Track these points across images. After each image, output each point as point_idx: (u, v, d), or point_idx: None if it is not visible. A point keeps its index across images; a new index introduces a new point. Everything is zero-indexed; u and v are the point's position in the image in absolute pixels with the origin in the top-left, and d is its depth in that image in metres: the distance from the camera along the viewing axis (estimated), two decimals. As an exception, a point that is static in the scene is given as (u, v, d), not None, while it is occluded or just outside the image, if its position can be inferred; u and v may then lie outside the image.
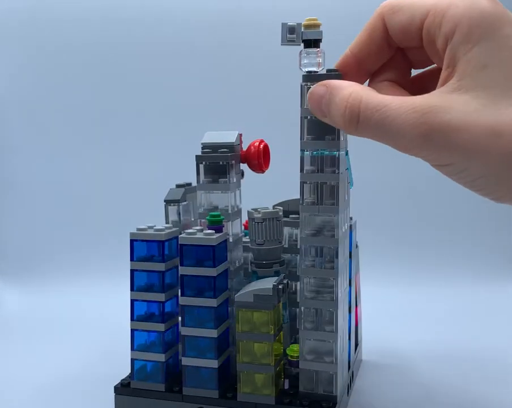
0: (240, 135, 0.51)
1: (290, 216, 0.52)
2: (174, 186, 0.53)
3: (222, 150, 0.48)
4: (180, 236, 0.45)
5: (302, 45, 0.42)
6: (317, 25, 0.42)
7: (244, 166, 0.51)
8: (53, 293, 0.82)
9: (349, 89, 0.35)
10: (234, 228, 0.49)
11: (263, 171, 0.51)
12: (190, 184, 0.54)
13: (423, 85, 0.38)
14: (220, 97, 0.90)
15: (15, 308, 0.79)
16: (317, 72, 0.42)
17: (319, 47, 0.42)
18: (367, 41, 0.38)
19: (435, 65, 0.37)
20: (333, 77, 0.40)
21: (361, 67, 0.39)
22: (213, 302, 0.45)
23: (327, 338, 0.44)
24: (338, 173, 0.42)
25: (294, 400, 0.44)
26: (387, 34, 0.37)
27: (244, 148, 0.51)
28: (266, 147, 0.51)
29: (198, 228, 0.46)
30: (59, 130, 0.93)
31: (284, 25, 0.41)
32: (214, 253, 0.44)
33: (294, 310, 0.52)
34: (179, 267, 0.45)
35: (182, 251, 0.45)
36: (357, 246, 0.55)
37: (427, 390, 0.52)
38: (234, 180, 0.49)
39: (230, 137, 0.49)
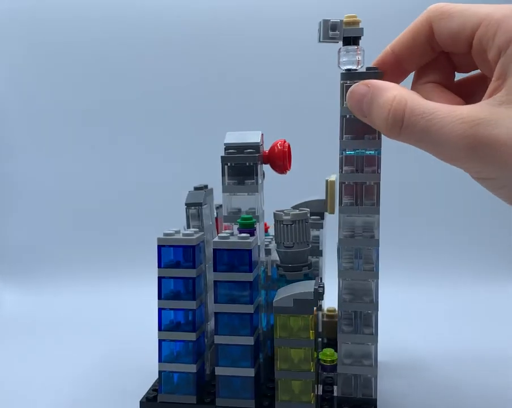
0: (262, 135, 0.50)
1: (312, 217, 0.52)
2: (183, 189, 0.51)
3: (248, 150, 0.47)
4: (214, 240, 0.43)
5: (340, 42, 0.41)
6: (357, 22, 0.41)
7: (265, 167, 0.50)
8: (53, 294, 0.82)
9: (394, 92, 0.34)
10: (260, 231, 0.48)
11: (285, 173, 0.50)
12: (206, 186, 0.52)
13: (469, 90, 0.39)
14: (231, 97, 0.89)
15: (15, 309, 0.79)
16: (356, 70, 0.41)
17: (358, 44, 0.42)
18: (411, 42, 0.38)
19: (480, 71, 0.37)
20: (374, 75, 0.40)
21: (400, 66, 0.39)
22: (250, 308, 0.43)
23: (366, 340, 0.43)
24: (379, 172, 0.42)
25: (334, 406, 0.44)
26: (432, 38, 0.37)
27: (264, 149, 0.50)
28: (289, 147, 0.49)
29: (229, 231, 0.45)
30: (59, 130, 0.91)
31: (325, 21, 0.40)
32: (250, 257, 0.43)
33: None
34: (213, 273, 0.43)
35: (215, 256, 0.43)
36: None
37: (441, 391, 0.52)
38: (260, 181, 0.48)
39: (254, 137, 0.48)
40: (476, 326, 0.68)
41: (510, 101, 0.30)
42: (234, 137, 0.49)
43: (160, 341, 0.45)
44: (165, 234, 0.45)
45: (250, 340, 0.43)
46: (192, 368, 0.45)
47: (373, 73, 0.41)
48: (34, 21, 0.91)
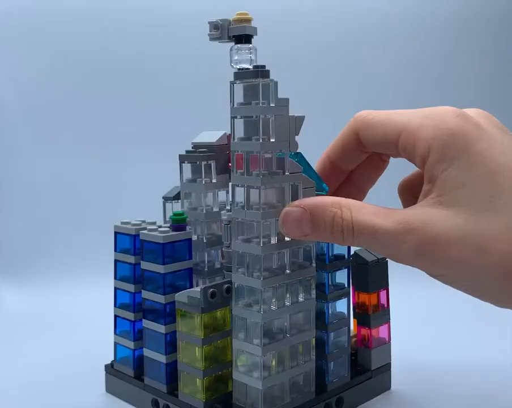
0: (226, 135, 0.50)
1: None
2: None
3: (201, 150, 0.49)
4: (141, 231, 0.47)
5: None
6: (248, 20, 0.40)
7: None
8: (53, 292, 0.81)
9: (335, 205, 0.35)
10: (209, 229, 0.49)
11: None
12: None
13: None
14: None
15: (14, 306, 0.78)
16: (249, 69, 0.40)
17: (250, 43, 0.40)
18: (342, 149, 0.41)
19: None
20: (261, 74, 0.39)
21: (338, 169, 0.42)
22: (161, 299, 0.46)
23: (254, 351, 0.41)
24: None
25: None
26: (361, 145, 0.39)
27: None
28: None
29: (160, 225, 0.48)
30: (58, 130, 0.93)
31: (210, 22, 0.40)
32: (163, 251, 0.46)
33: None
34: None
35: (142, 246, 0.47)
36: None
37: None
38: (214, 180, 0.49)
39: (212, 137, 0.50)
40: (476, 326, 0.68)
41: (441, 202, 0.33)
42: (202, 137, 0.51)
43: (115, 316, 0.51)
44: (122, 223, 0.50)
45: (162, 329, 0.46)
46: (131, 345, 0.50)
47: (261, 71, 0.39)
48: (34, 21, 0.92)
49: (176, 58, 0.95)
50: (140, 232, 0.47)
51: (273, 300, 0.41)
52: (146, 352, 0.48)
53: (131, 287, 0.49)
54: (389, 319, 0.52)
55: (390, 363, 0.52)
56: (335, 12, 1.02)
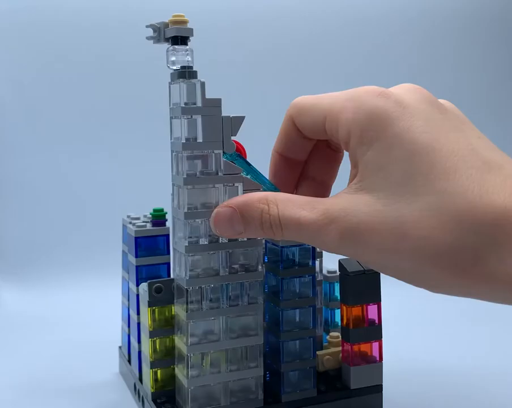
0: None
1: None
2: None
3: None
4: (128, 225, 0.50)
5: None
6: (184, 22, 0.40)
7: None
8: (53, 291, 0.82)
9: (263, 201, 0.35)
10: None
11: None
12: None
13: None
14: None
15: (14, 306, 0.79)
16: (192, 67, 0.40)
17: (187, 44, 0.40)
18: (285, 140, 0.40)
19: None
20: (190, 75, 0.39)
21: (290, 161, 0.41)
22: (135, 289, 0.49)
23: (183, 349, 0.42)
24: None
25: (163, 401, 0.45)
26: (300, 132, 0.39)
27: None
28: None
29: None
30: (58, 129, 0.92)
31: (148, 25, 0.41)
32: (136, 244, 0.48)
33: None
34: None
35: (128, 239, 0.50)
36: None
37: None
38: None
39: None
40: (476, 326, 0.68)
41: (363, 188, 0.32)
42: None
43: (122, 303, 0.55)
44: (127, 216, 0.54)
45: (135, 318, 0.49)
46: (126, 330, 0.53)
47: (188, 72, 0.39)
48: (34, 21, 0.91)
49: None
50: (127, 225, 0.51)
51: (204, 302, 0.41)
52: (131, 338, 0.51)
53: (127, 276, 0.53)
54: (381, 337, 0.47)
55: (381, 385, 0.48)
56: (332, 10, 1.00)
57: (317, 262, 0.50)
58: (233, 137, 0.48)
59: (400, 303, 0.71)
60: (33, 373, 0.58)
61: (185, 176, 0.40)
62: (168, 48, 0.41)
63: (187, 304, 0.41)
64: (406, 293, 0.65)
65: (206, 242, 0.41)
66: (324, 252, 0.50)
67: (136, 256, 0.48)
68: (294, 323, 0.44)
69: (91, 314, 0.73)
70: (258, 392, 0.43)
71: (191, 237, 0.40)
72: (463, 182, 0.30)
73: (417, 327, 0.69)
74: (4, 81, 0.91)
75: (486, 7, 1.06)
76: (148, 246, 0.49)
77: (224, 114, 0.40)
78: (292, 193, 0.42)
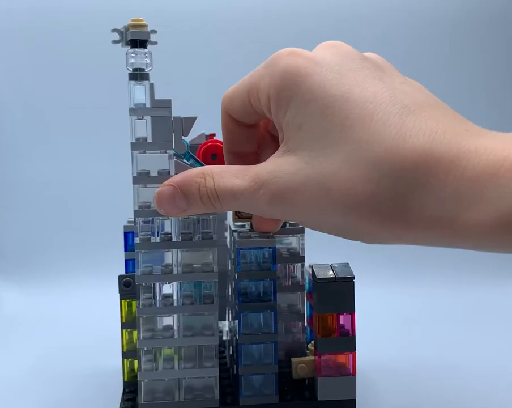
0: (212, 135, 0.51)
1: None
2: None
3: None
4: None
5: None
6: (143, 26, 0.41)
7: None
8: (53, 291, 0.82)
9: (200, 176, 0.36)
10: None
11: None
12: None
13: None
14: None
15: (14, 306, 0.79)
16: (144, 70, 0.41)
17: (146, 47, 0.41)
18: (228, 135, 0.40)
19: None
20: (141, 76, 0.41)
21: (242, 156, 0.40)
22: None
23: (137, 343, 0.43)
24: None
25: (129, 391, 0.46)
26: (237, 122, 0.39)
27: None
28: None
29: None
30: (58, 129, 0.92)
31: (113, 30, 0.43)
32: (125, 239, 0.50)
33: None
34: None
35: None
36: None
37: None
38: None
39: (191, 136, 0.51)
40: (475, 327, 0.66)
41: (288, 150, 0.33)
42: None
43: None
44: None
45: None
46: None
47: (139, 74, 0.41)
48: (34, 20, 0.91)
49: (176, 56, 0.92)
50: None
51: (156, 298, 0.42)
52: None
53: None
54: (354, 349, 0.45)
55: (354, 400, 0.45)
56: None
57: (298, 267, 0.48)
58: (216, 138, 0.48)
59: (381, 313, 0.70)
60: (34, 373, 0.58)
61: (135, 175, 0.41)
62: (127, 51, 0.42)
63: (138, 299, 0.42)
64: (386, 302, 0.62)
65: (158, 240, 0.42)
66: (305, 255, 0.49)
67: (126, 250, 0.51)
68: (254, 327, 0.44)
69: (91, 314, 0.73)
70: (214, 392, 0.43)
71: (142, 234, 0.42)
72: (379, 128, 0.29)
73: (406, 337, 0.66)
74: (4, 81, 0.91)
75: (484, 6, 0.99)
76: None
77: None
78: (250, 160, 0.41)
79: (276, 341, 0.44)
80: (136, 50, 0.42)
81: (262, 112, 0.36)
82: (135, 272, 0.50)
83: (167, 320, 0.43)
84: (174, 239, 0.42)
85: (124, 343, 0.47)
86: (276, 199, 0.32)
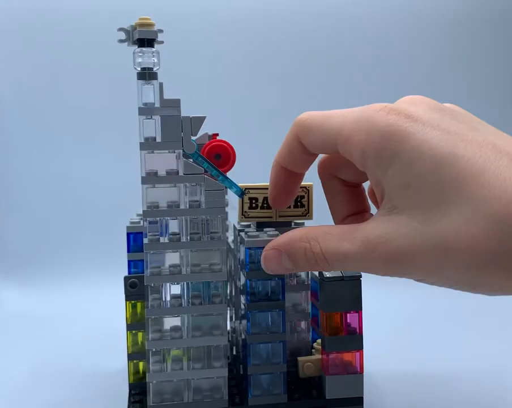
0: (215, 134, 0.51)
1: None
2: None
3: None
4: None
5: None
6: (150, 25, 0.41)
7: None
8: (54, 291, 0.82)
9: (304, 240, 0.36)
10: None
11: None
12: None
13: None
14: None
15: (15, 306, 0.79)
16: (152, 69, 0.41)
17: (153, 46, 0.41)
18: (290, 155, 0.40)
19: None
20: (150, 76, 0.40)
21: (292, 173, 0.41)
22: (125, 283, 0.50)
23: (146, 344, 0.43)
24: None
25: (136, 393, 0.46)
26: (306, 149, 0.38)
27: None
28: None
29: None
30: (58, 129, 0.93)
31: (119, 29, 0.43)
32: (128, 239, 0.50)
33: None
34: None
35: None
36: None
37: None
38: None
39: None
40: (476, 327, 0.66)
41: (394, 207, 0.32)
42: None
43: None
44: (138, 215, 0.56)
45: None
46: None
47: (148, 73, 0.40)
48: (34, 20, 0.91)
49: (177, 56, 0.90)
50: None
51: (165, 299, 0.42)
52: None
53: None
54: (362, 347, 0.45)
55: (362, 398, 0.45)
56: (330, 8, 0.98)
57: (303, 266, 0.48)
58: (219, 137, 0.48)
59: (390, 312, 0.70)
60: (33, 373, 0.58)
61: (143, 175, 0.41)
62: (135, 50, 0.42)
63: (147, 300, 0.42)
64: (393, 301, 0.62)
65: (166, 241, 0.41)
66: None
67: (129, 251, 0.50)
68: (262, 326, 0.44)
69: (91, 315, 0.73)
70: (223, 393, 0.43)
71: (151, 234, 0.41)
72: (493, 183, 0.29)
73: (405, 337, 0.66)
74: (4, 81, 0.91)
75: (484, 6, 1.01)
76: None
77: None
78: (290, 199, 0.43)
79: (285, 340, 0.44)
80: (144, 49, 0.41)
81: (349, 159, 0.36)
82: (137, 273, 0.50)
83: (175, 321, 0.43)
84: (182, 240, 0.42)
85: (129, 344, 0.47)
86: (391, 262, 0.32)
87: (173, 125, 0.40)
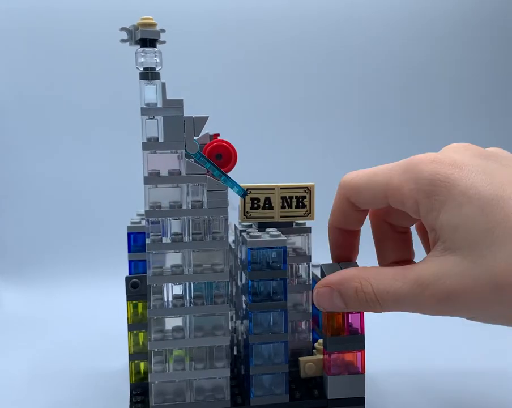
0: (216, 135, 0.51)
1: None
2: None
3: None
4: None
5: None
6: (153, 25, 0.41)
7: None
8: (54, 292, 0.82)
9: (356, 280, 0.37)
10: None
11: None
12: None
13: None
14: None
15: (15, 307, 0.78)
16: (155, 69, 0.41)
17: (155, 46, 0.41)
18: (343, 216, 0.42)
19: None
20: (152, 76, 0.40)
21: (350, 232, 0.43)
22: (126, 283, 0.50)
23: (148, 344, 0.43)
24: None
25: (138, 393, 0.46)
26: (357, 207, 0.40)
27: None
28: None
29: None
30: (58, 129, 0.92)
31: (121, 28, 0.42)
32: (129, 239, 0.50)
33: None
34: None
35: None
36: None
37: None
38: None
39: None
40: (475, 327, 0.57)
41: (447, 249, 0.34)
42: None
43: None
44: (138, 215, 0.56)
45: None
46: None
47: (150, 73, 0.40)
48: (34, 20, 0.91)
49: (178, 55, 0.89)
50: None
51: (167, 299, 0.42)
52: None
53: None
54: (363, 347, 0.45)
55: (363, 398, 0.45)
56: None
57: (304, 266, 0.49)
58: (220, 137, 0.48)
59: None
60: (33, 373, 0.57)
61: (146, 175, 0.41)
62: (137, 50, 0.42)
63: (149, 300, 0.42)
64: None
65: (169, 241, 0.41)
66: (312, 255, 0.49)
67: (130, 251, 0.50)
68: (264, 327, 0.44)
69: (91, 315, 0.73)
70: (225, 393, 0.43)
71: (153, 234, 0.41)
72: None
73: (407, 337, 0.66)
74: (4, 81, 0.91)
75: (483, 6, 1.02)
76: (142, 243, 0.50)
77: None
78: (354, 255, 0.44)
79: (287, 340, 0.44)
80: (146, 49, 0.41)
81: (401, 210, 0.37)
82: (138, 273, 0.50)
83: (177, 321, 0.43)
84: (185, 240, 0.41)
85: (131, 345, 0.46)
86: (444, 300, 0.33)
87: (175, 125, 0.40)
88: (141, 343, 0.47)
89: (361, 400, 0.45)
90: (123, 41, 0.42)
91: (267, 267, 0.43)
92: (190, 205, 0.41)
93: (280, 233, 0.43)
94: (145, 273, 0.47)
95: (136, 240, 0.51)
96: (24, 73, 0.92)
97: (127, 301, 0.46)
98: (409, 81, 1.00)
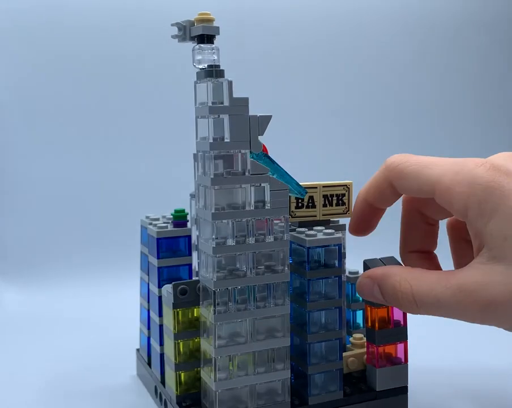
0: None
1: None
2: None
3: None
4: (148, 226, 0.50)
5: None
6: (210, 20, 0.40)
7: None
8: (54, 292, 0.81)
9: (396, 278, 0.37)
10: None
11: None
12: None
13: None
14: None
15: (15, 306, 0.78)
16: (219, 66, 0.40)
17: (213, 43, 0.40)
18: (378, 194, 0.42)
19: None
20: (217, 73, 0.39)
21: (376, 209, 0.43)
22: (156, 291, 0.48)
23: (210, 352, 0.41)
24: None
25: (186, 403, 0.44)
26: (396, 190, 0.40)
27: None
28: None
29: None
30: (58, 128, 0.93)
31: (175, 23, 0.41)
32: (158, 245, 0.48)
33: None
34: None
35: (148, 239, 0.50)
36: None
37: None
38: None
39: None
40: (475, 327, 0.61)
41: (492, 257, 0.34)
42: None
43: (140, 304, 0.55)
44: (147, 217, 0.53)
45: (157, 319, 0.48)
46: (146, 333, 0.53)
47: (215, 71, 0.39)
48: (34, 21, 0.92)
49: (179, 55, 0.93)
50: (147, 226, 0.50)
51: (231, 303, 0.41)
52: (151, 341, 0.51)
53: (146, 278, 0.52)
54: (406, 338, 0.47)
55: (407, 387, 0.47)
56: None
57: (340, 263, 0.49)
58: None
59: None
60: (33, 373, 0.57)
61: (212, 176, 0.39)
62: (194, 47, 0.40)
63: (214, 305, 0.40)
64: None
65: (233, 243, 0.40)
66: (346, 252, 0.50)
67: (158, 258, 0.48)
68: (320, 324, 0.44)
69: (93, 315, 0.73)
70: (285, 395, 0.43)
71: (218, 238, 0.40)
72: None
73: (443, 327, 0.66)
74: (4, 81, 0.91)
75: (485, 10, 1.09)
76: (169, 247, 0.48)
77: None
78: (370, 231, 0.45)
79: (341, 338, 0.45)
80: (202, 45, 0.40)
81: (447, 208, 0.37)
82: (164, 280, 0.48)
83: (238, 325, 0.41)
84: (248, 242, 0.40)
85: (176, 355, 0.44)
86: (486, 308, 0.33)
87: (241, 124, 0.39)
88: (186, 351, 0.44)
89: (404, 390, 0.47)
90: (175, 36, 0.40)
91: (321, 266, 0.43)
92: (253, 206, 0.40)
93: (333, 230, 0.44)
94: (171, 280, 0.46)
95: (163, 245, 0.48)
96: (24, 73, 0.92)
97: (173, 309, 0.44)
98: (410, 80, 1.04)
